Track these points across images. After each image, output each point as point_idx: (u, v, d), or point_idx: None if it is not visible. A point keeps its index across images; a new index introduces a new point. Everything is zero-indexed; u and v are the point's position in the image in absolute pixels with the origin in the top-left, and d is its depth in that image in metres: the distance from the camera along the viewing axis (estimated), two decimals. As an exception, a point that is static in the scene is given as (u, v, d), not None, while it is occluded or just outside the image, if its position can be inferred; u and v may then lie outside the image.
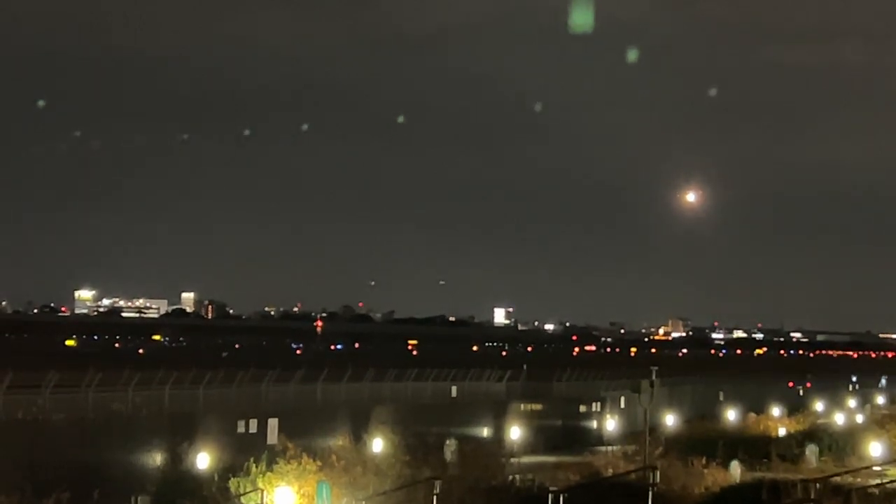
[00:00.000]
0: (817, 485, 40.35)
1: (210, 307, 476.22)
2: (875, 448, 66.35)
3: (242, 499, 42.21)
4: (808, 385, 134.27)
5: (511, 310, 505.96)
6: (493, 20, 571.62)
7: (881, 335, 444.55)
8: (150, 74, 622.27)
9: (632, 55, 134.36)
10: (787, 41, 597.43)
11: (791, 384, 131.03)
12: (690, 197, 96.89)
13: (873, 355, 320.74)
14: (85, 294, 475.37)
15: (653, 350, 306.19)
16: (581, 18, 39.05)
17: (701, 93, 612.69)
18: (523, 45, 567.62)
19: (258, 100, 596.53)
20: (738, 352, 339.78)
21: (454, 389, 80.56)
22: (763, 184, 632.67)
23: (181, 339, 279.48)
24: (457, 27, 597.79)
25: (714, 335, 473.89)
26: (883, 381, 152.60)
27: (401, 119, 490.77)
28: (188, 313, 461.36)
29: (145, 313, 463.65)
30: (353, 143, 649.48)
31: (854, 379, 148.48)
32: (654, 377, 55.11)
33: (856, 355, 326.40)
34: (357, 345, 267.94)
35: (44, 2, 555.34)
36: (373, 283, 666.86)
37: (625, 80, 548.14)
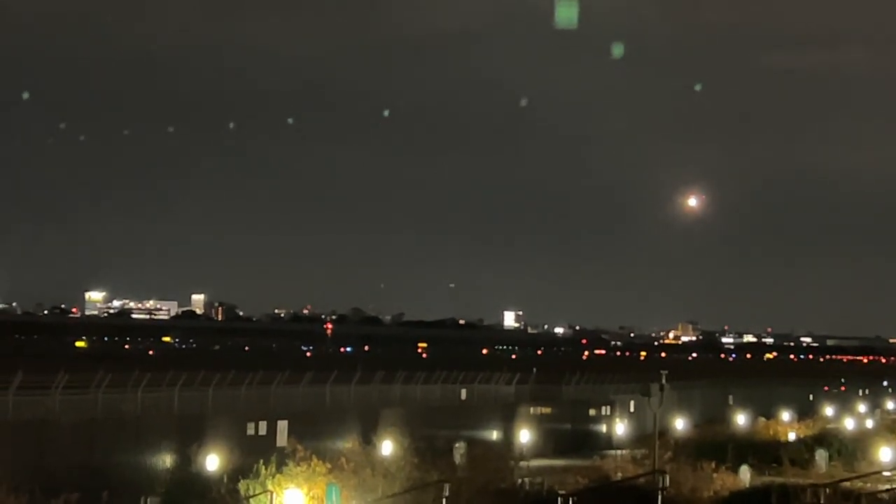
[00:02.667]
0: (827, 490, 40.12)
1: (220, 309, 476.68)
2: (885, 453, 66.09)
3: (252, 501, 42.17)
4: (843, 388, 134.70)
5: (521, 313, 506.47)
6: (496, 24, 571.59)
7: (891, 340, 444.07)
8: (152, 77, 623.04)
9: (617, 50, 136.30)
10: (790, 47, 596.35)
11: (826, 388, 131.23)
12: (692, 202, 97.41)
13: (883, 360, 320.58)
14: (95, 295, 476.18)
15: (663, 354, 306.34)
16: (565, 13, 39.16)
17: (706, 98, 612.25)
18: (525, 49, 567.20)
19: (270, 103, 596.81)
20: (748, 356, 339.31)
21: (464, 392, 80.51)
22: (773, 189, 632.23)
23: (191, 340, 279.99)
24: (458, 31, 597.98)
25: (724, 339, 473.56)
26: None
27: (386, 113, 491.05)
28: (198, 315, 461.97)
29: (155, 315, 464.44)
30: (362, 147, 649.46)
31: (885, 384, 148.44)
32: (663, 381, 54.99)
33: (866, 360, 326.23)
34: (367, 347, 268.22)
35: (43, 3, 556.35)
36: (382, 285, 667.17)
37: (630, 86, 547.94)
